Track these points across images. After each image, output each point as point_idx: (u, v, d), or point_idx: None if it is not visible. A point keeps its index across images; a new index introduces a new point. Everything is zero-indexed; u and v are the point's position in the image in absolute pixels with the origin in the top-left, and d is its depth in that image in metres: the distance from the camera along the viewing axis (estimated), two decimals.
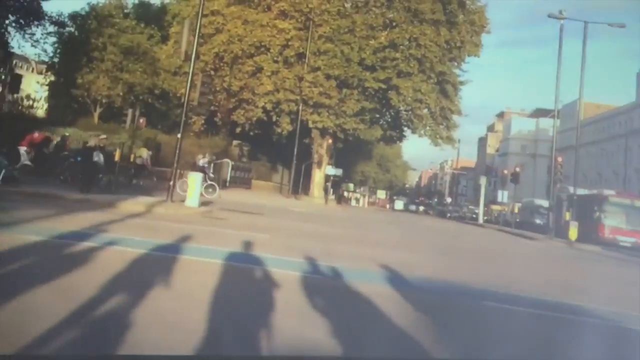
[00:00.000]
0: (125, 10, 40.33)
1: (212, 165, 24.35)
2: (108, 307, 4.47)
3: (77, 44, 35.03)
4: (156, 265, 6.64)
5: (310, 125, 34.81)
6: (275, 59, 35.00)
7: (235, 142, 38.49)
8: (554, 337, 5.82)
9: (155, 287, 5.35)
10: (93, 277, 5.45)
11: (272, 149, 39.72)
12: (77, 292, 4.74)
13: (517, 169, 35.79)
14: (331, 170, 40.46)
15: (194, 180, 15.75)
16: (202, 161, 23.22)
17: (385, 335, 4.99)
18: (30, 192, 13.22)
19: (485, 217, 51.69)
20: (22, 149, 17.25)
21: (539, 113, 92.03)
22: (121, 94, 34.47)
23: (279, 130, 34.67)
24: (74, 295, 4.63)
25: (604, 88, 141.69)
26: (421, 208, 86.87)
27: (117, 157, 14.64)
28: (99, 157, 15.33)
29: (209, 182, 20.65)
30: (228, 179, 30.61)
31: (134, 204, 13.63)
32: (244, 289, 6.16)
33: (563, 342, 5.61)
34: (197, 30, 17.50)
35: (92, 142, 16.13)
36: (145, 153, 24.76)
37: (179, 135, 16.06)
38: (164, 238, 8.82)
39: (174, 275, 6.12)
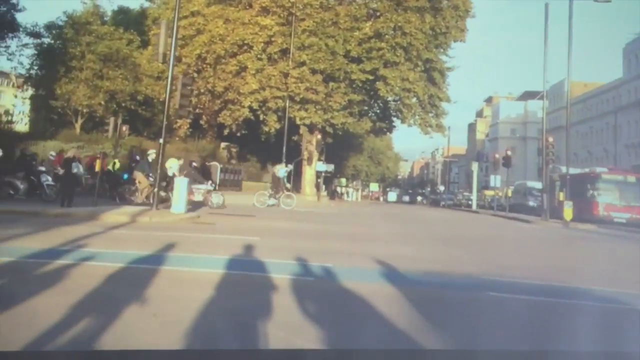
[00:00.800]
0: (104, 18, 39.67)
1: (189, 170, 20.24)
2: (71, 334, 3.97)
3: (54, 55, 34.35)
4: (134, 280, 6.13)
5: (298, 121, 34.29)
6: (259, 56, 34.42)
7: (223, 145, 37.95)
8: (560, 324, 5.39)
9: (129, 305, 4.86)
10: (59, 299, 4.94)
11: (261, 149, 39.21)
12: (38, 318, 4.25)
13: (508, 153, 35.39)
14: (322, 167, 39.92)
15: (179, 186, 15.21)
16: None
17: (382, 338, 4.56)
18: (4, 211, 12.66)
19: (479, 203, 51.40)
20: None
21: (527, 96, 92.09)
22: (102, 102, 33.76)
23: (266, 129, 34.12)
24: (34, 322, 4.14)
25: (591, 66, 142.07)
26: (418, 198, 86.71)
27: (97, 167, 14.12)
28: (78, 169, 14.81)
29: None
30: (217, 182, 30.10)
31: (117, 214, 13.10)
32: (229, 300, 5.68)
33: (570, 330, 5.18)
34: (175, 31, 16.97)
35: (70, 153, 15.58)
36: (175, 163, 22.47)
37: (161, 141, 15.55)
38: (146, 249, 8.30)
39: (152, 289, 5.63)
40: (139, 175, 17.75)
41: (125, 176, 20.01)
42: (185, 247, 9.05)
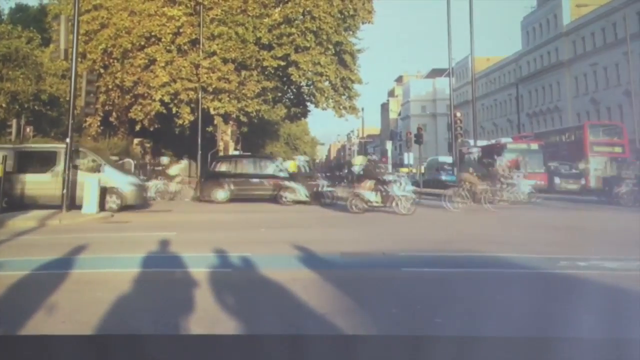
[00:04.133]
0: (1, 16, 37.60)
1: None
2: None
3: None
4: (40, 287, 6.02)
5: (212, 112, 33.92)
6: (167, 48, 33.71)
7: (136, 141, 36.93)
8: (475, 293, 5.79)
9: (36, 313, 4.80)
10: None
11: (176, 142, 38.46)
12: None
13: (420, 130, 36.47)
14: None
15: (89, 185, 14.82)
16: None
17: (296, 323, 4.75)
18: None
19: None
20: None
21: (435, 73, 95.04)
22: (3, 105, 32.03)
23: (180, 121, 33.53)
24: None
25: (493, 41, 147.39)
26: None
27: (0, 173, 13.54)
28: None
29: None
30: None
31: (25, 219, 12.64)
32: (143, 298, 5.71)
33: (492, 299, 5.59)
34: (76, 26, 16.45)
35: None
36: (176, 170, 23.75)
37: (67, 140, 15.14)
38: (54, 253, 8.13)
39: (60, 295, 5.56)
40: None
41: None
42: (97, 248, 8.91)
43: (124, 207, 16.11)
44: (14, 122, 22.20)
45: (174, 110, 33.49)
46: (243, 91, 34.02)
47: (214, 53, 33.67)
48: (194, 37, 33.91)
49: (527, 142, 31.80)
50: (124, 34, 33.13)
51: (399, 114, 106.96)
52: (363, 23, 38.23)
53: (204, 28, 33.62)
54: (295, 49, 35.25)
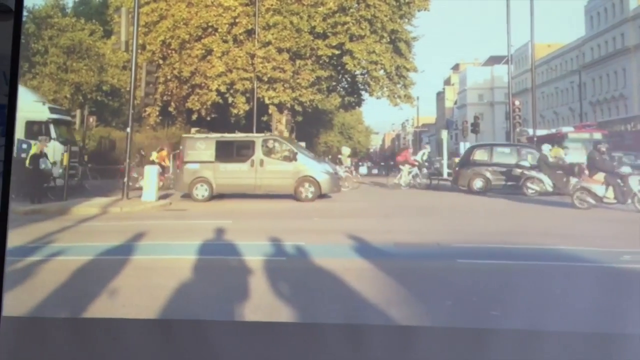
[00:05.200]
0: (65, 10, 38.89)
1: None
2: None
3: None
4: (101, 272, 6.27)
5: (267, 101, 34.19)
6: (224, 38, 34.07)
7: (193, 130, 37.58)
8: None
9: (98, 298, 5.02)
10: (25, 297, 5.09)
11: (231, 132, 39.01)
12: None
13: (477, 119, 35.67)
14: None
15: (150, 173, 15.29)
16: None
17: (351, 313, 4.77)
18: None
19: (449, 171, 51.63)
20: None
21: (493, 61, 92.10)
22: (68, 95, 33.28)
23: (235, 111, 33.96)
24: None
25: (554, 27, 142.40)
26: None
27: (65, 161, 14.16)
28: (45, 164, 14.86)
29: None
30: None
31: (88, 206, 13.17)
32: (199, 284, 5.86)
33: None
34: (136, 18, 16.92)
35: (37, 149, 15.56)
36: None
37: (128, 130, 15.66)
38: (115, 239, 8.44)
39: (121, 280, 5.78)
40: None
41: None
42: (156, 235, 9.20)
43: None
44: (78, 112, 23.03)
45: (230, 100, 33.90)
46: (297, 80, 34.11)
47: (269, 43, 33.84)
48: (249, 27, 34.14)
49: (589, 132, 30.59)
50: (182, 25, 33.67)
51: (455, 103, 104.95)
52: (419, 10, 37.56)
53: (260, 18, 33.84)
54: (350, 38, 35.01)
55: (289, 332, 2.26)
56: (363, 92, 42.52)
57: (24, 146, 17.90)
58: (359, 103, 45.91)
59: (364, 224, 10.85)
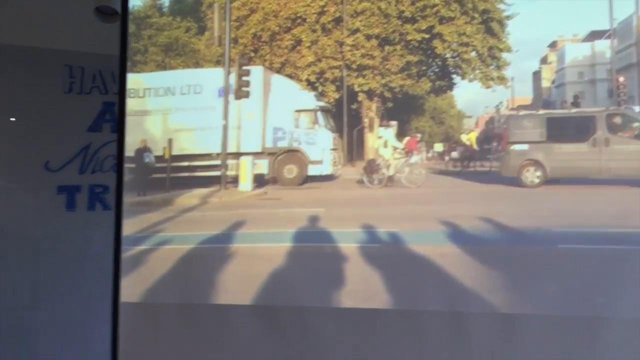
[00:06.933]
0: (162, 9, 40.59)
1: None
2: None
3: None
4: (203, 260, 6.56)
5: (357, 89, 34.20)
6: (312, 28, 34.34)
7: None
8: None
9: (202, 283, 5.26)
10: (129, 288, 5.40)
11: None
12: None
13: (577, 98, 33.94)
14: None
15: (245, 164, 15.75)
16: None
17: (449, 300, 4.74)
18: None
19: None
20: None
21: (594, 36, 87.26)
22: None
23: (325, 100, 34.25)
24: None
25: None
26: None
27: (166, 155, 14.93)
28: (149, 158, 15.71)
29: None
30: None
31: (189, 197, 13.77)
32: (295, 271, 6.00)
33: None
34: (228, 13, 17.34)
35: (141, 144, 16.48)
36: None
37: (223, 122, 16.12)
38: (215, 228, 8.80)
39: (220, 268, 6.02)
40: None
41: None
42: (253, 223, 9.49)
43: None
44: None
45: (320, 89, 34.22)
46: (387, 66, 33.82)
47: (357, 30, 33.76)
48: (337, 15, 34.21)
49: None
50: (272, 17, 34.26)
51: (553, 82, 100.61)
52: None
53: (347, 5, 33.81)
54: (440, 20, 34.24)
55: (388, 319, 2.28)
56: (454, 76, 41.65)
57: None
58: (450, 87, 44.77)
59: (458, 209, 10.65)
